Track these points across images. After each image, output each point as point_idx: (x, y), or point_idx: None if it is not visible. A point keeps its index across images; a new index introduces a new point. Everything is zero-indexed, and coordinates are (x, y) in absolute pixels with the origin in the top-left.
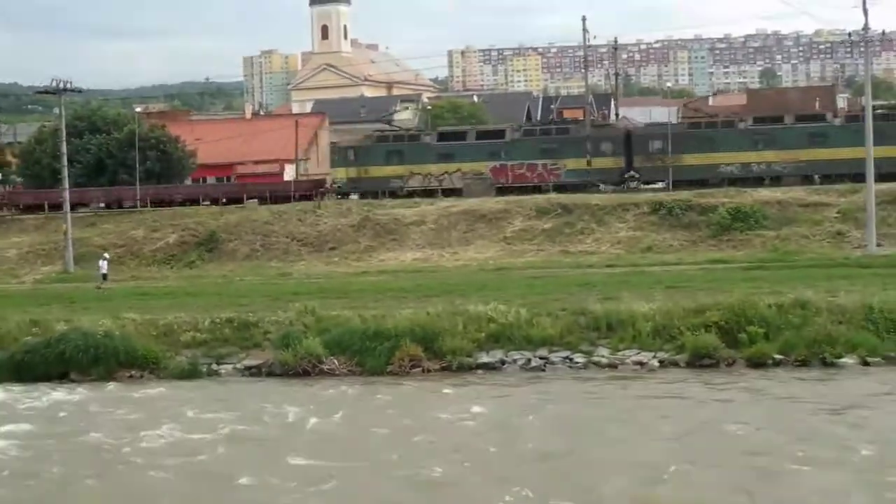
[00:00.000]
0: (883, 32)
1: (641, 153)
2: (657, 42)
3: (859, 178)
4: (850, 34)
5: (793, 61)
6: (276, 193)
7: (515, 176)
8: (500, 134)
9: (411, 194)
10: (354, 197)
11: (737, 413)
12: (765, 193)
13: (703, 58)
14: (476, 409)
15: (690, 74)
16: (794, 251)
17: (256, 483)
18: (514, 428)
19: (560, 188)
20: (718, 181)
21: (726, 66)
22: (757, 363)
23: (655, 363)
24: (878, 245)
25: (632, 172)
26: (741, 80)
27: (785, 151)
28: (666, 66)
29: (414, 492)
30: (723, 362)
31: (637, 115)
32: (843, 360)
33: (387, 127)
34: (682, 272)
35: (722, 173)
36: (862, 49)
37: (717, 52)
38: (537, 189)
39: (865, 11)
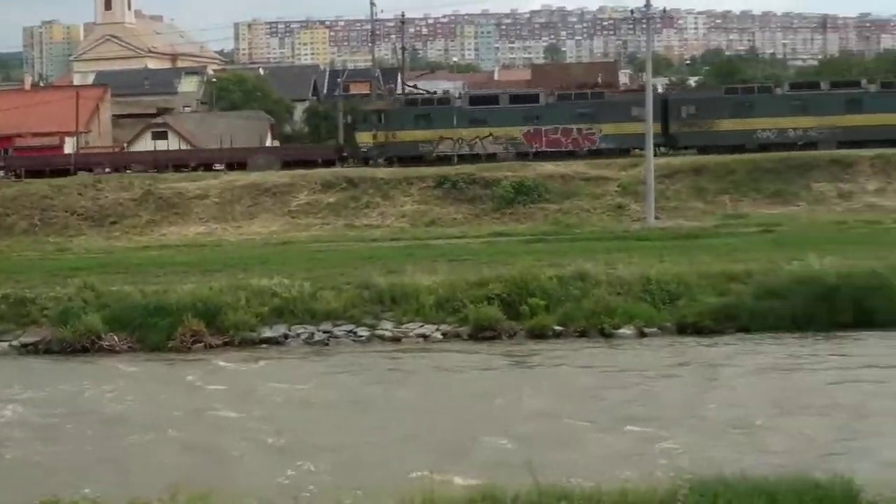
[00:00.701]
0: (664, 10)
1: (677, 119)
2: (444, 17)
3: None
4: (632, 11)
5: (577, 38)
6: (56, 167)
7: (549, 141)
8: (534, 98)
9: (442, 159)
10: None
11: (503, 381)
12: (548, 167)
13: (489, 33)
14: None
15: (477, 49)
16: (576, 224)
17: None
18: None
19: (596, 153)
20: (755, 147)
21: (512, 42)
22: (538, 334)
23: (439, 335)
24: (657, 218)
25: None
26: (527, 55)
27: (821, 117)
28: (453, 40)
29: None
30: (504, 334)
31: (423, 88)
32: (621, 330)
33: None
34: (466, 245)
35: (758, 139)
36: (644, 26)
37: (504, 27)
38: (572, 154)
39: None
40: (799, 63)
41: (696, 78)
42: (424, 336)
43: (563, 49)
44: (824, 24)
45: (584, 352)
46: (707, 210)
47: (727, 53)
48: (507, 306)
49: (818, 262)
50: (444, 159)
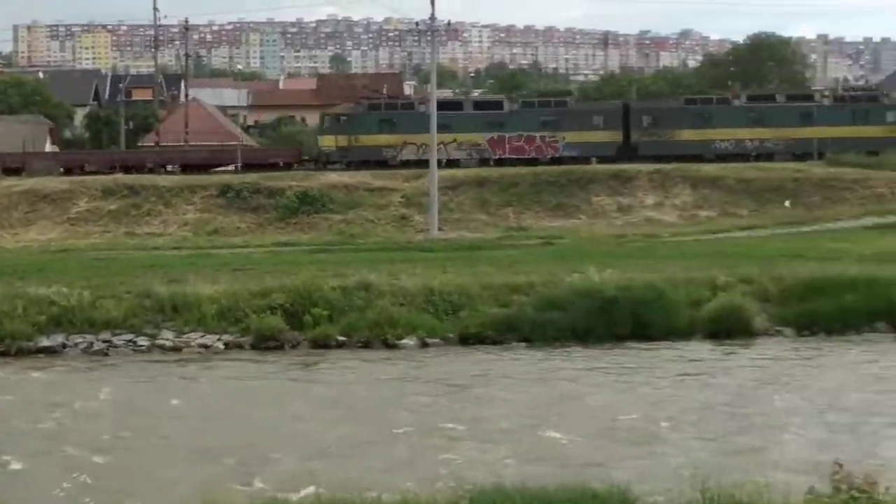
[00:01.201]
0: (449, 23)
1: (638, 128)
2: (229, 24)
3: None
4: (417, 23)
5: (363, 48)
6: None
7: (513, 148)
8: (498, 105)
9: (405, 164)
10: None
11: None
12: (332, 177)
13: (275, 41)
14: None
15: (262, 57)
16: (360, 235)
17: None
18: None
19: (557, 161)
20: (712, 157)
21: (298, 51)
22: (321, 344)
23: (220, 345)
24: (440, 230)
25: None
26: (312, 64)
27: (777, 129)
28: (238, 48)
29: None
30: (287, 344)
31: (207, 96)
32: (404, 341)
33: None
34: (249, 255)
35: (716, 149)
36: (429, 38)
37: (290, 36)
38: (534, 161)
39: (432, 1)
40: (581, 78)
41: (479, 91)
42: (206, 346)
43: (349, 59)
44: (606, 40)
45: (366, 362)
46: (490, 222)
47: (511, 67)
48: (291, 316)
49: (597, 274)
50: (408, 164)
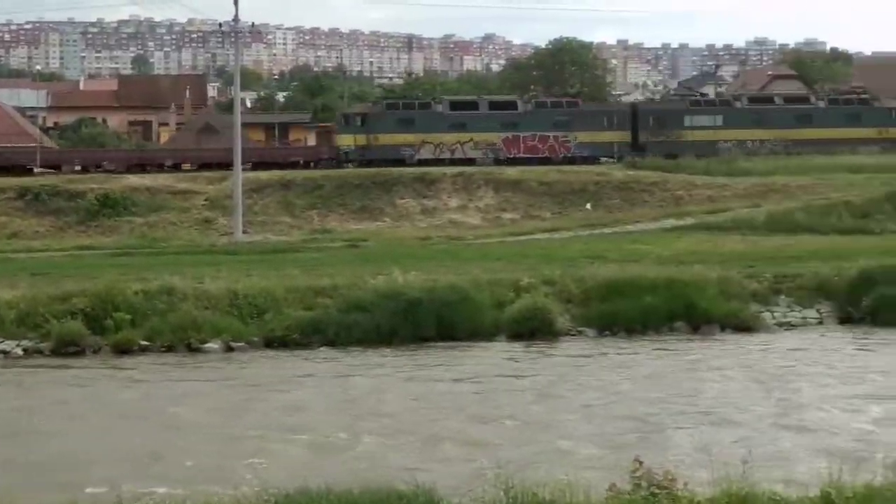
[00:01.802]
0: (253, 25)
1: (646, 129)
2: (28, 23)
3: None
4: (221, 25)
5: (166, 49)
6: None
7: (527, 147)
8: (513, 105)
9: (422, 164)
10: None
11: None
12: (134, 180)
13: (75, 41)
14: None
15: (62, 58)
16: (163, 238)
17: None
18: None
19: (569, 160)
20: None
21: (99, 51)
22: (124, 349)
23: (20, 351)
24: (245, 232)
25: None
26: (113, 65)
27: (776, 130)
28: (37, 48)
29: None
30: (89, 349)
31: (4, 97)
32: (208, 344)
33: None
34: (50, 259)
35: (720, 149)
36: (232, 40)
37: (90, 36)
38: (547, 161)
39: (236, 3)
40: (385, 81)
41: (284, 93)
42: (4, 352)
43: (152, 60)
44: (410, 44)
45: (169, 366)
46: (295, 225)
47: (315, 70)
48: (92, 321)
49: (402, 276)
50: (425, 163)
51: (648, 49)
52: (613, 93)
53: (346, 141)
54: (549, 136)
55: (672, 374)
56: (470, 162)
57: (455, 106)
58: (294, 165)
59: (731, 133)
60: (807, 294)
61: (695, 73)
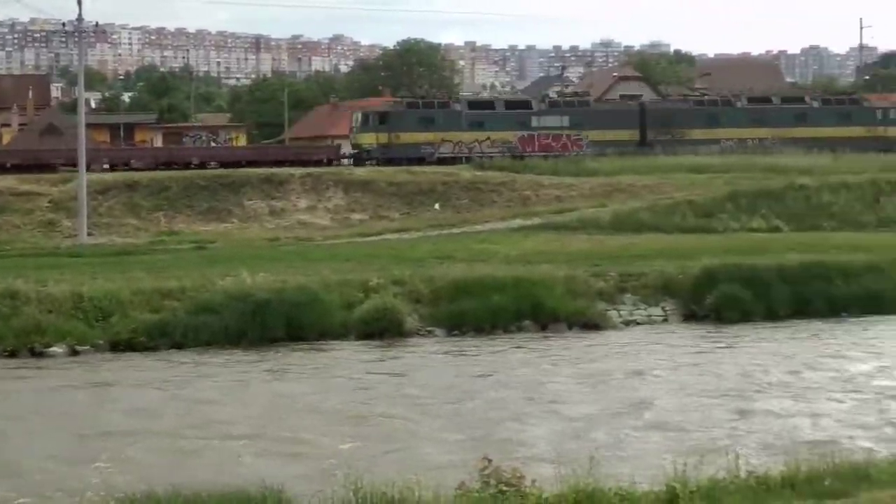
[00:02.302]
0: (97, 24)
1: (654, 127)
2: None
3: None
4: (64, 24)
5: (7, 49)
6: None
7: (542, 145)
8: (527, 104)
9: (441, 162)
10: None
11: None
12: None
13: None
14: None
15: None
16: (6, 241)
17: None
18: None
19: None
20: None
21: None
22: None
23: None
24: (90, 235)
25: None
26: None
27: (774, 129)
28: None
29: None
30: None
31: None
32: (52, 349)
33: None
34: None
35: (722, 147)
36: (76, 39)
37: None
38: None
39: (80, 2)
40: (233, 82)
41: (129, 94)
42: None
43: None
44: (258, 44)
45: (10, 371)
46: (141, 227)
47: (162, 70)
48: None
49: (250, 278)
50: (444, 161)
51: (496, 50)
52: (462, 94)
53: (367, 139)
54: (562, 135)
55: (519, 372)
56: (488, 160)
57: (473, 105)
58: (318, 164)
59: (732, 132)
60: (652, 292)
61: (542, 74)
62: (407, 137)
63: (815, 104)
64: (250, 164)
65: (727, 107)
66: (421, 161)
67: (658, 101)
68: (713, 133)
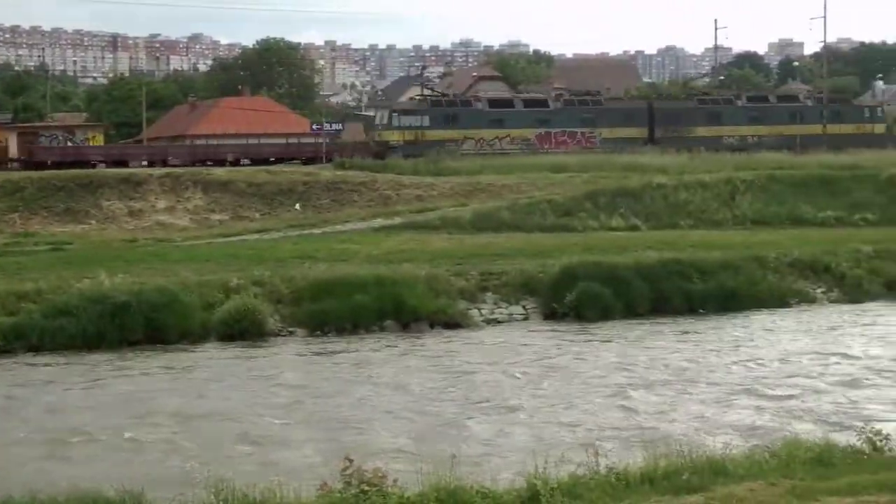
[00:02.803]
0: None
1: (662, 124)
2: None
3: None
4: None
5: None
6: None
7: (558, 142)
8: (544, 103)
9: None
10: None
11: None
12: None
13: None
14: None
15: None
16: None
17: None
18: None
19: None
20: (723, 149)
21: None
22: None
23: None
24: None
25: None
26: None
27: (771, 126)
28: None
29: None
30: None
31: None
32: None
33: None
34: None
35: (725, 144)
36: None
37: None
38: None
39: None
40: (90, 81)
41: None
42: None
43: None
44: (115, 43)
45: None
46: None
47: (17, 68)
48: None
49: (108, 280)
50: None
51: (356, 50)
52: (322, 93)
53: (395, 136)
54: (576, 132)
55: (381, 371)
56: (506, 155)
57: (493, 104)
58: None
59: (733, 129)
60: (513, 291)
61: (402, 73)
62: (432, 135)
63: (809, 103)
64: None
65: (728, 105)
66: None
67: (665, 101)
68: (716, 130)
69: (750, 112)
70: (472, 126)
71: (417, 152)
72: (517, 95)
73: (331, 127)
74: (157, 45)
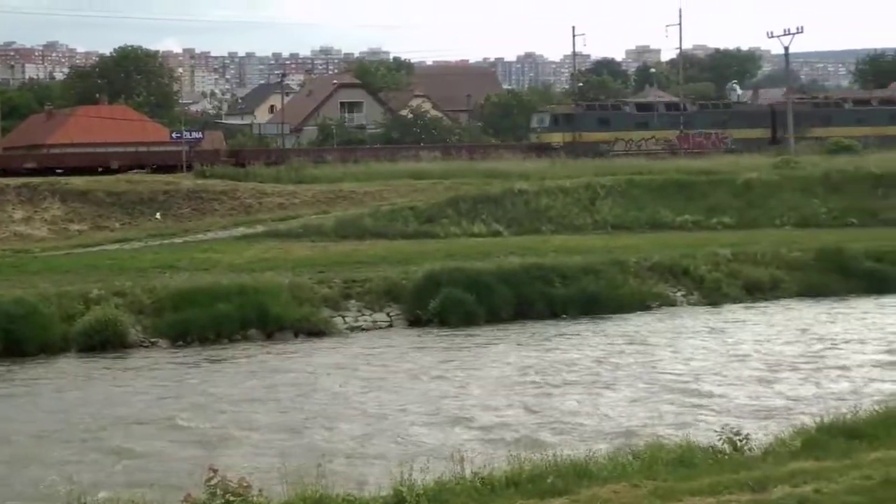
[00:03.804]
0: None
1: (782, 125)
2: None
3: None
4: None
5: None
6: None
7: (695, 143)
8: (682, 107)
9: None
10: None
11: None
12: None
13: None
14: None
15: None
16: None
17: None
18: None
19: (729, 152)
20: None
21: None
22: None
23: None
24: None
25: None
26: None
27: (873, 128)
28: None
29: None
30: None
31: None
32: None
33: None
34: None
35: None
36: None
37: None
38: None
39: None
40: None
41: None
42: None
43: None
44: None
45: None
46: None
47: None
48: None
49: None
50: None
51: (215, 58)
52: (181, 101)
53: (556, 138)
54: (711, 133)
55: (245, 382)
56: (653, 155)
57: (640, 108)
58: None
59: (841, 130)
60: (376, 298)
61: (262, 81)
62: (588, 136)
63: None
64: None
65: (838, 108)
66: (600, 156)
67: (784, 104)
68: (828, 132)
69: (855, 114)
70: (622, 128)
71: (576, 152)
72: (659, 100)
73: (190, 135)
74: (12, 53)
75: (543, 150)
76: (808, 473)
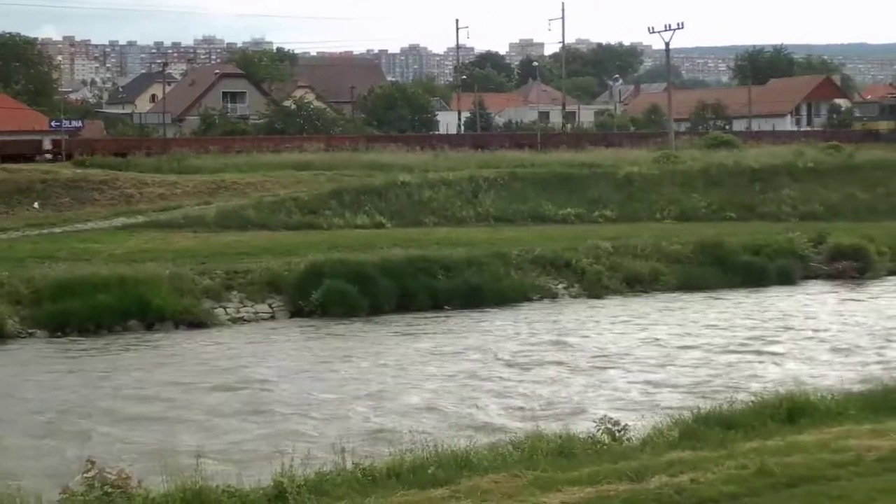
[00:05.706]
0: None
1: None
2: None
3: None
4: None
5: None
6: None
7: None
8: None
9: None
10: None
11: None
12: None
13: None
14: None
15: None
16: None
17: None
18: None
19: None
20: None
21: None
22: None
23: None
24: None
25: None
26: None
27: None
28: None
29: None
30: None
31: None
32: None
33: None
34: None
35: None
36: None
37: None
38: None
39: None
40: None
41: None
42: None
43: None
44: None
45: None
46: None
47: None
48: None
49: None
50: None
51: (96, 46)
52: (61, 90)
53: (883, 126)
54: None
55: (116, 375)
56: None
57: None
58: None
59: None
60: (258, 289)
61: (143, 70)
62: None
63: None
64: None
65: None
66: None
67: None
68: None
69: None
70: None
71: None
72: None
73: (70, 124)
74: None
75: (871, 137)
76: (685, 463)
